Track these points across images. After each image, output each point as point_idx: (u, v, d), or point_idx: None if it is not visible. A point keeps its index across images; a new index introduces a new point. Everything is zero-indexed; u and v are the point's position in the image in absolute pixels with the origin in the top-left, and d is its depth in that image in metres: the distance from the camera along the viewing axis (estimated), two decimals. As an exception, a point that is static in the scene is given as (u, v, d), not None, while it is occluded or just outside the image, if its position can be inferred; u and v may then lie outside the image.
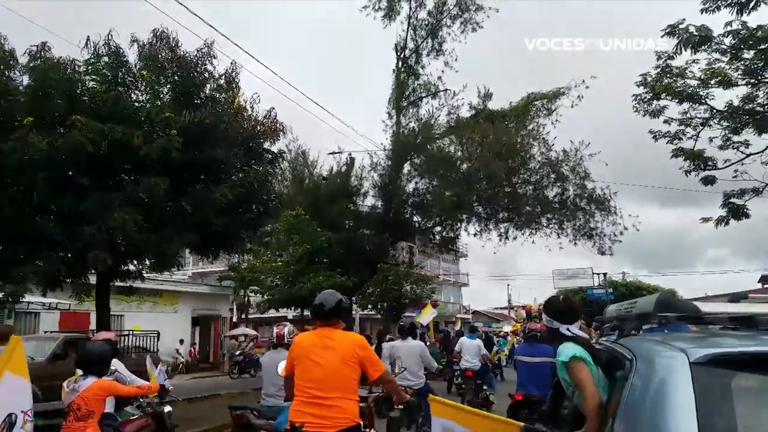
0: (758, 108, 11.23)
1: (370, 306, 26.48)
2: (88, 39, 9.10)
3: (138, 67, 9.61)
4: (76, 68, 8.86)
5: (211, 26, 21.82)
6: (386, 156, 20.01)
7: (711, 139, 12.02)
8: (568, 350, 2.77)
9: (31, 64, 8.64)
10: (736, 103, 11.53)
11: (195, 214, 9.25)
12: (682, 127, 12.14)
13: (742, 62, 10.83)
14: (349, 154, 20.91)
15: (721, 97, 11.77)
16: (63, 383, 4.43)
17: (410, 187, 20.32)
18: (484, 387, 11.00)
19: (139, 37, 9.65)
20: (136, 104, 9.53)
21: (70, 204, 8.40)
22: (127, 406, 5.38)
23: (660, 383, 2.07)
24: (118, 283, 10.85)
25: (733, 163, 11.88)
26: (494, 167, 16.57)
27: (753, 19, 10.40)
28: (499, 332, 31.49)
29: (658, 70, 11.66)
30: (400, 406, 6.25)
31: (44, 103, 8.47)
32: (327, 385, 3.50)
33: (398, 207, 20.14)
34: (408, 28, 20.15)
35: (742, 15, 10.20)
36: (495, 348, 19.16)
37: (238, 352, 22.92)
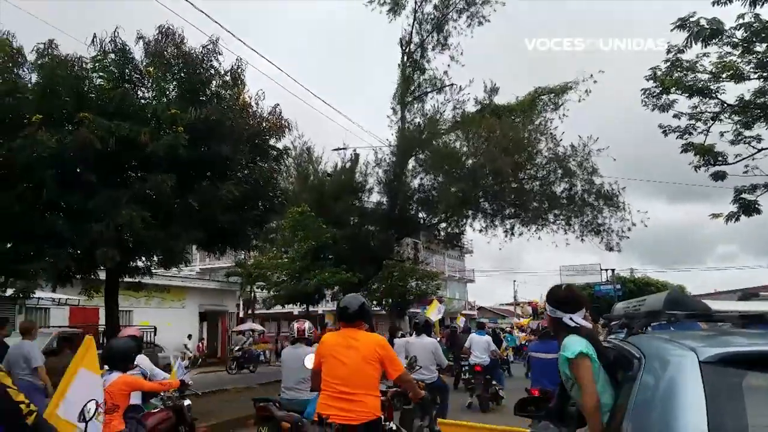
0: None
1: (375, 302, 26.51)
2: (94, 36, 9.12)
3: (144, 63, 9.62)
4: (84, 65, 8.89)
5: (216, 22, 21.82)
6: (391, 152, 19.97)
7: (722, 134, 11.87)
8: (574, 345, 2.70)
9: (39, 62, 8.67)
10: (747, 97, 11.37)
11: (202, 210, 9.27)
12: (693, 122, 11.99)
13: (755, 55, 10.68)
14: (354, 150, 20.90)
15: (732, 91, 11.61)
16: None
17: (415, 183, 20.31)
18: (494, 382, 11.18)
19: (145, 34, 9.66)
20: (143, 101, 9.56)
21: (79, 201, 8.43)
22: (153, 398, 5.63)
23: (669, 382, 2.06)
24: (127, 279, 10.91)
25: (744, 158, 11.74)
26: (500, 162, 16.49)
27: (766, 12, 10.27)
28: (506, 328, 31.49)
29: (668, 63, 11.52)
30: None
31: (52, 100, 8.49)
32: (351, 382, 3.81)
33: (403, 203, 20.11)
34: (413, 23, 20.08)
35: (755, 7, 10.05)
36: (504, 344, 19.19)
37: (237, 348, 22.99)
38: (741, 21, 10.28)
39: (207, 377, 18.67)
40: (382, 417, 4.09)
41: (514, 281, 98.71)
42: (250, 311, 32.97)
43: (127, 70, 9.45)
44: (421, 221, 21.31)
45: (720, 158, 11.75)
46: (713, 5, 10.31)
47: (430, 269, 31.87)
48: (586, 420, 2.57)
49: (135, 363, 5.24)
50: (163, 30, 9.69)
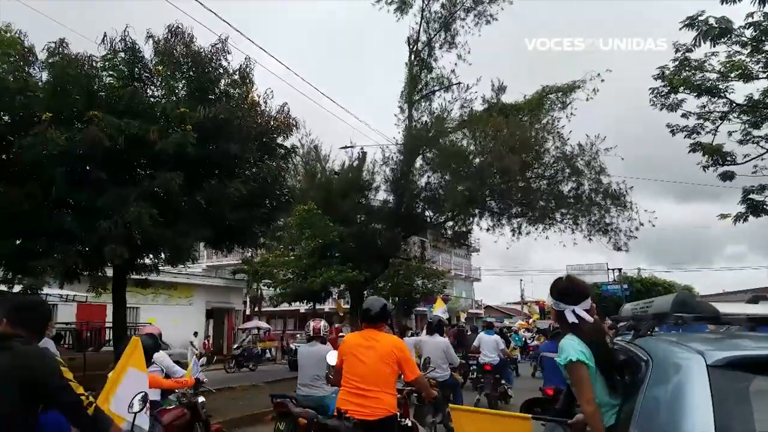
0: None
1: (382, 300, 26.49)
2: (104, 35, 9.18)
3: (154, 62, 9.67)
4: (94, 64, 8.95)
5: (224, 21, 21.88)
6: (398, 150, 19.93)
7: (730, 134, 11.80)
8: (567, 351, 2.67)
9: (50, 60, 8.74)
10: (756, 96, 11.30)
11: (209, 208, 9.33)
12: (701, 121, 11.92)
13: (764, 55, 10.60)
14: (361, 148, 20.87)
15: (741, 91, 11.53)
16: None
17: (422, 181, 20.23)
18: (503, 381, 11.27)
19: (154, 33, 9.71)
20: (152, 99, 9.62)
21: (87, 198, 8.50)
22: (170, 394, 5.79)
23: (677, 386, 2.06)
24: (134, 276, 10.98)
25: (752, 158, 11.66)
26: (508, 161, 16.42)
27: None
28: (512, 327, 31.44)
29: (676, 63, 11.45)
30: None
31: (62, 98, 8.56)
32: (368, 380, 4.08)
33: (410, 201, 20.07)
34: (421, 21, 20.01)
35: (764, 6, 9.95)
36: (512, 344, 19.24)
37: (235, 346, 22.98)
38: (750, 20, 10.20)
39: (208, 375, 18.67)
40: (398, 414, 4.30)
41: (521, 280, 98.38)
42: (256, 308, 33.07)
43: (136, 69, 9.51)
44: (428, 220, 21.26)
45: (728, 158, 11.67)
46: (722, 3, 10.20)
47: (437, 268, 31.88)
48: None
49: (153, 360, 5.35)
50: (173, 29, 9.74)
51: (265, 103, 10.61)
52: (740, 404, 1.95)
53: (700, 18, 10.37)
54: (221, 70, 10.07)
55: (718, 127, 11.81)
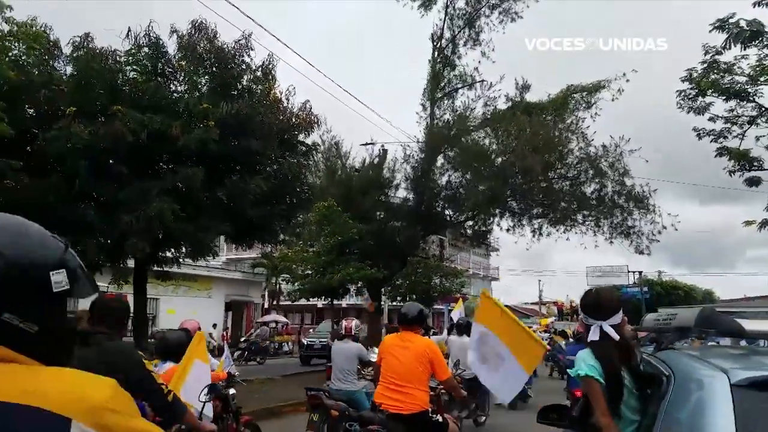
0: None
1: (399, 298, 26.55)
2: (129, 30, 9.27)
3: (177, 57, 9.75)
4: (118, 58, 9.04)
5: (248, 17, 21.94)
6: (419, 148, 19.82)
7: (758, 138, 11.56)
8: (578, 365, 2.69)
9: (75, 55, 8.84)
10: None
11: (231, 204, 9.39)
12: (728, 125, 11.70)
13: None
14: (382, 145, 20.80)
15: None
16: None
17: (443, 180, 20.08)
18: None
19: (178, 28, 9.77)
20: (175, 95, 9.69)
21: (110, 192, 8.61)
22: None
23: (699, 404, 2.01)
24: (155, 269, 11.11)
25: None
26: (530, 161, 16.20)
27: None
28: (531, 328, 31.10)
29: (705, 65, 11.23)
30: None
31: (86, 92, 8.66)
32: (403, 377, 4.54)
33: (430, 200, 19.95)
34: (445, 18, 19.84)
35: None
36: None
37: (243, 339, 23.10)
38: None
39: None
40: (430, 410, 4.69)
41: (539, 280, 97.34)
42: (274, 302, 33.32)
43: (160, 64, 9.59)
44: (448, 219, 21.12)
45: (756, 163, 11.43)
46: (754, 6, 9.99)
47: (455, 266, 31.74)
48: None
49: None
50: (196, 24, 9.80)
51: (287, 99, 10.64)
52: (763, 425, 1.89)
53: (730, 21, 10.15)
54: (244, 66, 10.11)
55: (745, 131, 11.58)
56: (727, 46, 10.45)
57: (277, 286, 30.76)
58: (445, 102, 20.35)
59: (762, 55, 10.56)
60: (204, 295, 24.10)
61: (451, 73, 20.34)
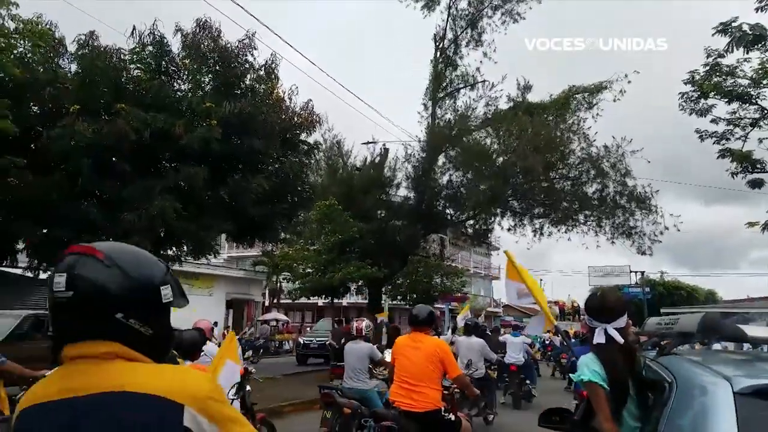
0: None
1: (399, 297, 26.54)
2: (133, 28, 9.28)
3: (181, 56, 9.75)
4: (122, 57, 9.05)
5: (252, 15, 21.90)
6: (421, 147, 19.81)
7: (761, 140, 11.58)
8: (581, 370, 2.66)
9: (79, 53, 8.86)
10: None
11: (232, 203, 9.40)
12: (731, 127, 11.72)
13: None
14: (384, 144, 20.80)
15: None
16: None
17: (444, 179, 20.06)
18: (527, 381, 11.91)
19: (182, 27, 9.77)
20: (179, 93, 9.70)
21: (113, 190, 8.62)
22: None
23: (701, 412, 2.01)
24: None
25: None
26: (532, 161, 16.18)
27: None
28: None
29: (707, 68, 11.25)
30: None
31: (91, 90, 8.68)
32: (416, 376, 4.73)
33: (431, 199, 19.94)
34: (447, 18, 19.82)
35: None
36: (537, 346, 19.39)
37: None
38: None
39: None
40: (442, 408, 4.85)
41: (541, 280, 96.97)
42: (275, 300, 33.32)
43: (163, 63, 9.60)
44: (449, 218, 21.09)
45: (758, 165, 11.45)
46: (756, 11, 10.04)
47: (456, 265, 31.71)
48: None
49: (204, 352, 5.58)
50: (201, 23, 9.79)
51: (290, 99, 10.64)
52: (766, 433, 1.90)
53: (733, 24, 10.18)
54: (247, 66, 10.11)
55: (748, 133, 11.60)
56: (730, 50, 10.48)
57: (278, 285, 30.76)
58: (447, 102, 20.31)
59: (765, 59, 10.59)
60: (205, 294, 24.12)
61: (453, 73, 20.29)
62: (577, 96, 18.79)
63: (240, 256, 36.94)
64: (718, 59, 11.03)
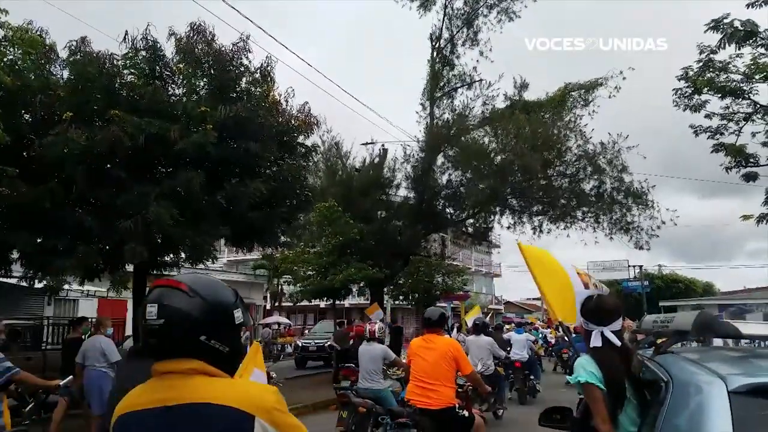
0: None
1: (401, 297, 26.52)
2: (126, 33, 9.22)
3: (175, 60, 9.71)
4: (115, 62, 8.99)
5: (246, 18, 21.89)
6: (420, 147, 19.84)
7: (754, 135, 11.72)
8: (577, 371, 2.69)
9: (71, 59, 8.80)
10: None
11: (230, 207, 9.35)
12: (724, 122, 11.83)
13: None
14: (382, 145, 20.83)
15: (765, 93, 11.49)
16: None
17: (443, 178, 20.10)
18: (531, 377, 12.32)
19: (176, 31, 9.72)
20: (173, 98, 9.64)
21: (108, 197, 8.56)
22: None
23: (697, 411, 2.01)
24: (155, 273, 11.09)
25: None
26: (529, 159, 16.25)
27: None
28: (534, 324, 31.11)
29: (701, 64, 11.34)
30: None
31: (83, 97, 8.61)
32: (431, 375, 4.99)
33: (431, 199, 19.98)
34: (444, 18, 19.85)
35: None
36: (540, 342, 19.63)
37: None
38: None
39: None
40: (457, 405, 5.09)
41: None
42: (276, 304, 33.31)
43: (157, 67, 9.53)
44: (449, 217, 21.12)
45: (752, 159, 11.56)
46: (747, 7, 10.11)
47: (457, 264, 31.69)
48: None
49: None
50: (195, 27, 9.75)
51: (287, 101, 10.58)
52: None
53: (725, 21, 10.27)
54: (242, 69, 10.06)
55: (741, 128, 11.75)
56: (722, 46, 10.59)
57: (279, 288, 30.76)
58: (445, 101, 20.38)
59: (756, 54, 10.69)
60: (205, 298, 24.07)
61: (450, 73, 20.36)
62: (573, 93, 18.85)
63: (240, 260, 36.94)
64: (711, 55, 11.13)
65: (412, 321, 37.57)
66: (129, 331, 10.89)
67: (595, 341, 2.78)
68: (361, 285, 20.24)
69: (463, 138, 18.61)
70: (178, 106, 9.20)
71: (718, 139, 11.88)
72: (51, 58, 8.97)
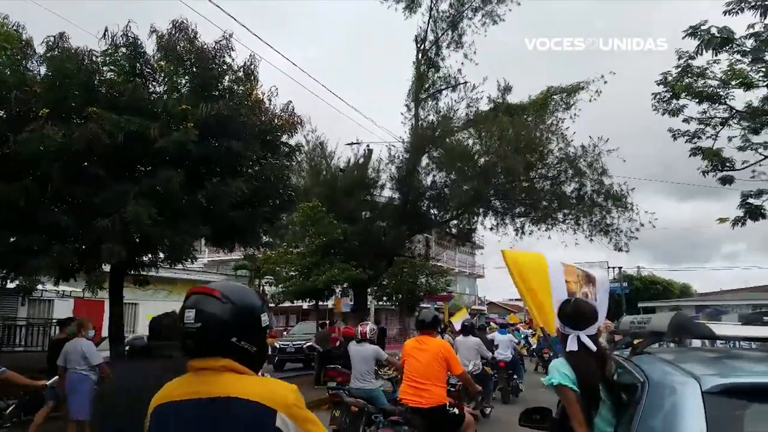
0: None
1: (385, 298, 26.54)
2: (106, 29, 9.06)
3: (156, 58, 9.57)
4: (94, 59, 8.82)
5: (230, 16, 21.80)
6: (404, 148, 19.88)
7: (730, 139, 12.00)
8: (551, 374, 2.74)
9: (49, 55, 8.62)
10: (756, 104, 11.49)
11: (211, 207, 9.22)
12: (702, 126, 12.06)
13: (764, 64, 10.75)
14: (367, 146, 20.84)
15: (741, 98, 11.78)
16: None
17: (428, 179, 20.18)
18: (515, 377, 12.62)
19: (158, 28, 9.57)
20: (154, 96, 9.49)
21: (85, 195, 8.40)
22: None
23: (671, 412, 2.02)
24: (132, 274, 10.91)
25: (751, 164, 11.88)
26: (512, 161, 16.39)
27: None
28: (515, 324, 31.29)
29: (679, 69, 11.57)
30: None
31: (61, 93, 8.44)
32: (423, 375, 5.20)
33: (415, 200, 20.03)
34: (429, 20, 19.91)
35: (765, 17, 10.14)
36: (523, 342, 19.81)
37: None
38: (751, 30, 10.34)
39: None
40: (447, 404, 5.30)
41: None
42: (259, 305, 33.06)
43: (138, 65, 9.36)
44: (433, 218, 21.20)
45: (727, 164, 11.84)
46: (724, 15, 10.34)
47: (441, 265, 31.79)
48: None
49: None
50: (177, 24, 9.61)
51: (270, 100, 10.47)
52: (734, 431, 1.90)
53: (702, 27, 10.49)
54: (225, 67, 9.94)
55: (718, 132, 12.02)
56: (700, 52, 10.81)
57: (261, 289, 30.58)
58: (429, 103, 20.44)
59: (733, 60, 10.94)
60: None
61: (435, 75, 20.45)
62: (555, 97, 19.05)
63: (222, 260, 36.63)
64: (689, 61, 11.35)
65: (395, 322, 37.60)
66: (106, 332, 10.64)
67: (572, 345, 2.82)
68: (345, 286, 20.19)
69: (447, 140, 18.71)
70: (159, 104, 9.05)
71: (695, 143, 12.15)
72: (27, 54, 8.77)
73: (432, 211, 20.92)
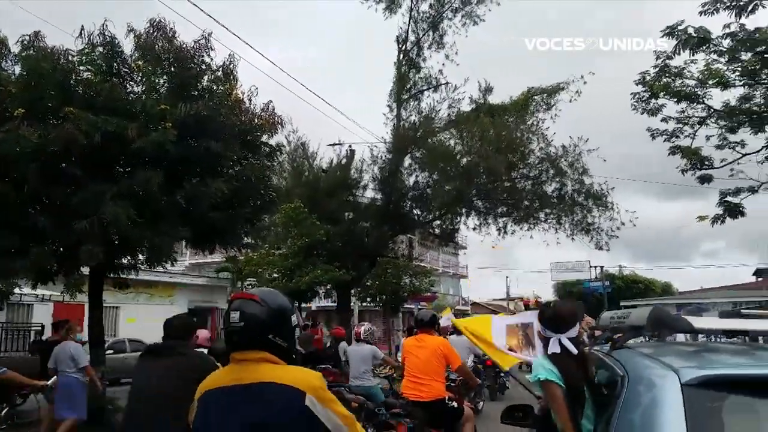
0: (755, 108, 11.36)
1: (369, 299, 26.48)
2: (82, 28, 8.91)
3: (134, 57, 9.44)
4: (70, 58, 8.68)
5: (210, 16, 21.60)
6: (387, 149, 19.89)
7: (708, 138, 12.18)
8: (536, 370, 2.78)
9: (23, 54, 8.46)
10: (733, 103, 11.68)
11: (190, 208, 9.11)
12: (680, 126, 12.23)
13: (740, 64, 10.92)
14: (350, 146, 20.81)
15: (718, 97, 11.97)
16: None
17: (410, 180, 20.22)
18: (501, 374, 12.82)
19: (135, 27, 9.45)
20: (132, 96, 9.36)
21: (63, 197, 8.25)
22: None
23: (650, 405, 2.02)
24: (112, 276, 10.74)
25: (729, 163, 12.09)
26: (494, 161, 16.48)
27: (751, 22, 10.55)
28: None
29: (657, 69, 11.73)
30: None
31: (36, 93, 8.29)
32: (422, 371, 5.50)
33: (398, 200, 20.05)
34: (409, 21, 19.94)
35: (740, 18, 10.31)
36: None
37: None
38: (727, 30, 10.52)
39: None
40: (446, 397, 5.60)
41: (507, 277, 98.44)
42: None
43: (115, 64, 9.23)
44: (416, 218, 21.23)
45: (706, 163, 12.01)
46: (700, 15, 10.51)
47: (424, 265, 31.82)
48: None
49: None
50: (155, 23, 9.49)
51: (250, 100, 10.37)
52: (714, 424, 1.91)
53: (679, 28, 10.65)
54: (204, 67, 9.84)
55: (696, 131, 12.21)
56: (677, 52, 10.96)
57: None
58: (411, 103, 20.47)
59: (709, 60, 11.12)
60: (166, 302, 23.52)
61: (417, 76, 20.50)
62: (535, 98, 19.18)
63: (203, 262, 36.27)
64: (667, 61, 11.50)
65: (379, 323, 37.59)
66: (86, 336, 10.45)
67: (553, 348, 2.85)
68: (328, 287, 20.13)
69: (429, 140, 18.75)
70: (137, 104, 8.92)
71: (674, 142, 12.32)
72: (2, 53, 8.61)
73: (415, 212, 20.95)
